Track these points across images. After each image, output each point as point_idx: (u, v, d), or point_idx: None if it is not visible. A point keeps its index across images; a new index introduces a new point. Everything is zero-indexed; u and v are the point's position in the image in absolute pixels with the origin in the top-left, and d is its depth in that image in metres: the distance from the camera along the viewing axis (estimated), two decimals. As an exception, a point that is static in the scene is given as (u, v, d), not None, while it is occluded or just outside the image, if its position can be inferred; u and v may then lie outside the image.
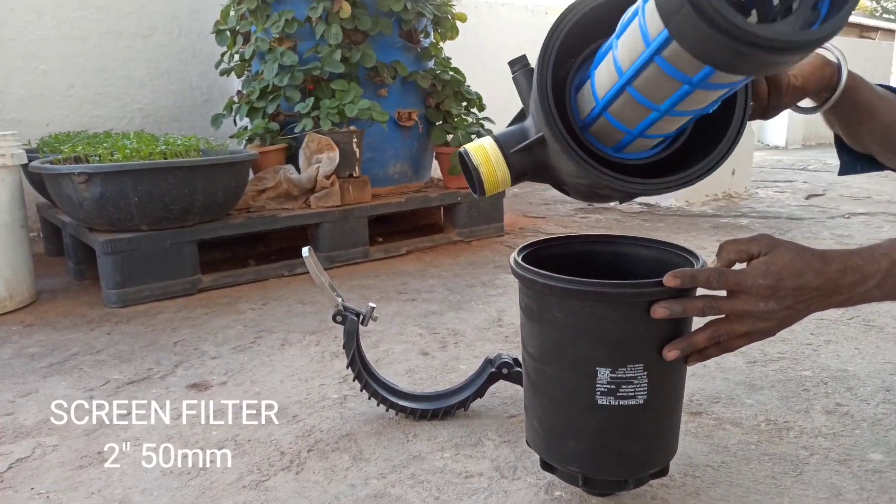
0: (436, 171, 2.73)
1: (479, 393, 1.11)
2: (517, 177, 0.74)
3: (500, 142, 0.73)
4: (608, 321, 0.73)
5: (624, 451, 0.78)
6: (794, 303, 0.69)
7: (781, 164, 5.21)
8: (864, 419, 1.08)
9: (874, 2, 23.64)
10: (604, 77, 0.63)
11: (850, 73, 0.78)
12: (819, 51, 0.78)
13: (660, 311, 0.69)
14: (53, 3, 2.68)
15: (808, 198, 3.44)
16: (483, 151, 0.73)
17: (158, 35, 2.94)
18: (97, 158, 1.79)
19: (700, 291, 0.74)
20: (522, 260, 0.80)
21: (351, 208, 2.18)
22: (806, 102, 0.82)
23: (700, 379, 1.24)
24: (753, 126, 6.96)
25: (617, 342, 0.73)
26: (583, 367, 0.74)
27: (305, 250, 1.03)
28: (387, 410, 1.11)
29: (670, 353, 0.72)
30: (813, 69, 0.77)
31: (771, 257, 0.69)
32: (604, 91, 0.64)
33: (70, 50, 2.73)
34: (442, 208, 2.55)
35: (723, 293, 0.72)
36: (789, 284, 0.68)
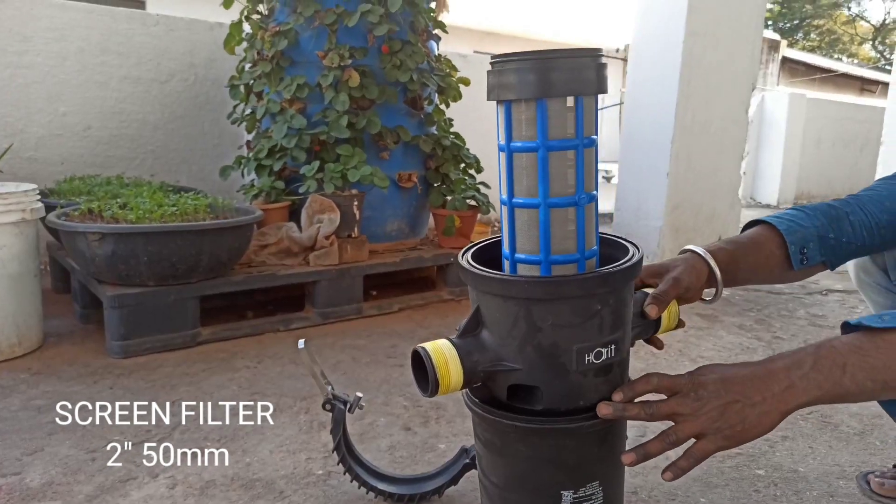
0: (431, 224, 2.83)
1: (454, 481, 1.20)
2: (469, 373, 0.78)
3: (456, 344, 0.79)
4: (568, 450, 0.82)
5: None
6: (726, 393, 0.74)
7: (772, 224, 5.30)
8: (804, 527, 1.17)
9: (878, 53, 23.95)
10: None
11: (718, 265, 0.94)
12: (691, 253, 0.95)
13: (605, 409, 0.78)
14: (77, 49, 2.81)
15: (791, 268, 3.53)
16: (440, 351, 0.78)
17: (175, 81, 3.07)
18: (111, 213, 1.90)
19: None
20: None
21: (348, 267, 2.28)
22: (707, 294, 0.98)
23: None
24: (744, 182, 7.08)
25: (577, 466, 0.82)
26: (547, 492, 0.83)
27: (301, 342, 1.13)
28: (367, 493, 1.20)
29: (628, 458, 0.78)
30: (699, 272, 0.93)
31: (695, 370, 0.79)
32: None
33: (90, 93, 2.86)
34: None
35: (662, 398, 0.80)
36: (710, 376, 0.76)
